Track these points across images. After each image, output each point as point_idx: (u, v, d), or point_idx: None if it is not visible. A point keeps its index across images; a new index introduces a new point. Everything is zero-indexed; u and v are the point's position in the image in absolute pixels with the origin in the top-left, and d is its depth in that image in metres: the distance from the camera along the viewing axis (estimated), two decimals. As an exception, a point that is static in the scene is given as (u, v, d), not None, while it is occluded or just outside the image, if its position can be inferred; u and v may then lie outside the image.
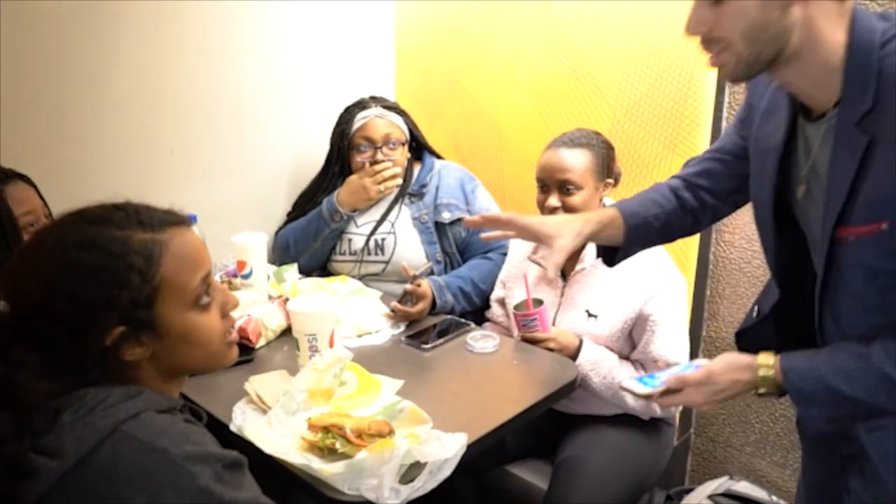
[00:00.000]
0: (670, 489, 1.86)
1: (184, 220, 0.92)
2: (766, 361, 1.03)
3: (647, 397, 1.13)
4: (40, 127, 1.63)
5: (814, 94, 0.96)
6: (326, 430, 1.16)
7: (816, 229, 1.03)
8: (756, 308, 1.23)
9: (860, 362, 0.95)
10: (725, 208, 1.29)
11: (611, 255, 1.32)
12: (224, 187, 2.03)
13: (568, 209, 1.59)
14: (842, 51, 0.90)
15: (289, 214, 2.11)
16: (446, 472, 1.13)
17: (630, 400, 1.57)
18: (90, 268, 0.81)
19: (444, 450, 1.13)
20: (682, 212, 1.27)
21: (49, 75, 1.63)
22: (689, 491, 1.78)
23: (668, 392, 1.10)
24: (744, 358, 1.05)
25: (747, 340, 1.24)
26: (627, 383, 1.17)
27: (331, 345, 1.39)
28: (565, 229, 1.22)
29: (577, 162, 1.58)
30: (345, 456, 1.13)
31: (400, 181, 1.93)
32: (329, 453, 1.15)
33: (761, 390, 1.04)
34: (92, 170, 1.75)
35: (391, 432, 1.16)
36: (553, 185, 1.60)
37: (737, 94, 1.70)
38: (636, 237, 1.27)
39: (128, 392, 0.83)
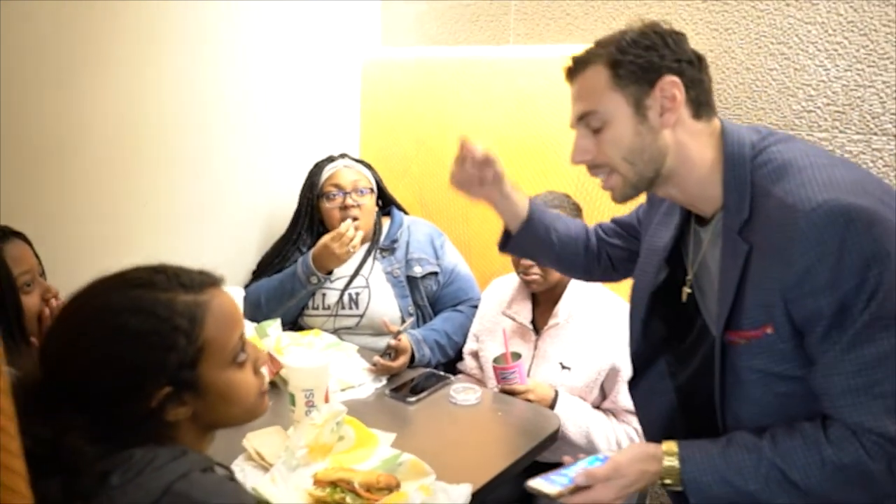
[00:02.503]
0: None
1: (218, 281, 0.95)
2: (671, 449, 1.04)
3: (557, 497, 1.06)
4: (16, 182, 1.61)
5: (696, 204, 1.09)
6: (334, 485, 1.19)
7: (707, 330, 1.10)
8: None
9: (752, 456, 0.98)
10: (611, 273, 1.42)
11: (504, 241, 1.39)
12: (196, 241, 2.03)
13: (541, 267, 1.69)
14: (712, 165, 1.03)
15: (256, 269, 2.13)
16: (453, 522, 1.17)
17: (603, 445, 1.65)
18: (139, 332, 0.83)
19: (451, 501, 1.18)
20: (585, 250, 1.38)
21: (25, 129, 1.62)
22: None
23: (578, 490, 1.06)
24: (650, 448, 1.07)
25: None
26: (535, 483, 1.09)
27: (326, 400, 1.42)
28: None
29: (551, 223, 1.69)
30: (355, 510, 1.15)
31: (361, 234, 1.98)
32: (338, 508, 1.18)
33: (667, 480, 1.04)
34: (68, 221, 1.73)
35: (398, 485, 1.20)
36: (528, 244, 1.70)
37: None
38: (528, 231, 1.33)
39: (173, 453, 0.84)
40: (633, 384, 1.28)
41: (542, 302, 1.79)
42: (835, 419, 0.96)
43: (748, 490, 0.99)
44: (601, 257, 1.40)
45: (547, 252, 1.39)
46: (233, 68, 2.08)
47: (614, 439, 1.66)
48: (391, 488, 1.18)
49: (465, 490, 1.20)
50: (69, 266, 1.54)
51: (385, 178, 2.14)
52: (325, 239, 1.91)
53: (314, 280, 1.94)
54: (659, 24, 1.03)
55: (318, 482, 1.20)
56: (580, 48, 1.99)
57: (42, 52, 1.62)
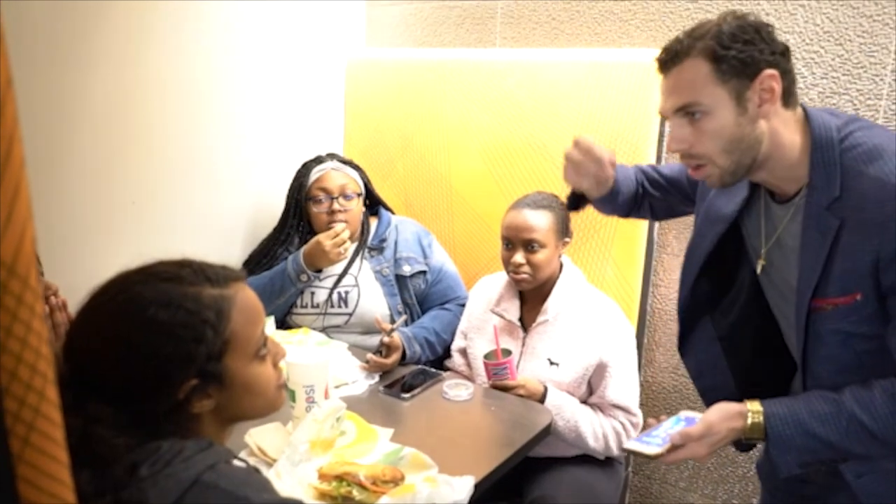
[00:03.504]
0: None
1: (241, 276, 0.96)
2: (755, 408, 1.12)
3: (656, 457, 1.14)
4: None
5: (781, 185, 1.15)
6: (340, 478, 1.21)
7: (783, 298, 1.19)
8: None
9: (833, 406, 1.08)
10: (648, 215, 1.53)
11: (575, 203, 1.47)
12: (181, 238, 2.03)
13: (532, 266, 1.73)
14: (801, 149, 1.10)
15: (243, 268, 2.12)
16: (457, 513, 1.20)
17: (591, 440, 1.70)
18: (168, 324, 0.84)
19: (455, 493, 1.20)
20: (633, 200, 1.47)
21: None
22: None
23: (673, 448, 1.13)
24: (735, 406, 1.14)
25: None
26: (632, 445, 1.18)
27: (326, 396, 1.43)
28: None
29: (541, 222, 1.73)
30: (362, 503, 1.17)
31: (349, 244, 1.99)
32: (344, 501, 1.19)
33: (750, 435, 1.12)
34: (55, 218, 1.72)
35: (403, 478, 1.22)
36: (518, 243, 1.74)
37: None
38: (608, 199, 1.43)
39: (199, 445, 0.85)
40: (682, 344, 1.39)
41: (530, 299, 1.83)
42: None
43: (829, 441, 1.07)
44: (643, 205, 1.48)
45: (610, 208, 1.48)
46: (218, 67, 2.07)
47: (601, 433, 1.71)
48: (396, 481, 1.20)
49: (468, 482, 1.22)
50: (57, 263, 1.53)
51: (370, 178, 2.15)
52: (319, 237, 1.92)
53: (304, 278, 1.95)
54: (749, 16, 1.07)
55: (323, 476, 1.22)
56: (565, 52, 2.06)
57: (28, 49, 1.61)
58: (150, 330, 0.84)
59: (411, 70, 2.30)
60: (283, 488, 1.21)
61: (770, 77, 1.05)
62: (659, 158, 1.92)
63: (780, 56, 1.06)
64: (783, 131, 1.09)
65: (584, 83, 1.96)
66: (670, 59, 1.10)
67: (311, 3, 2.31)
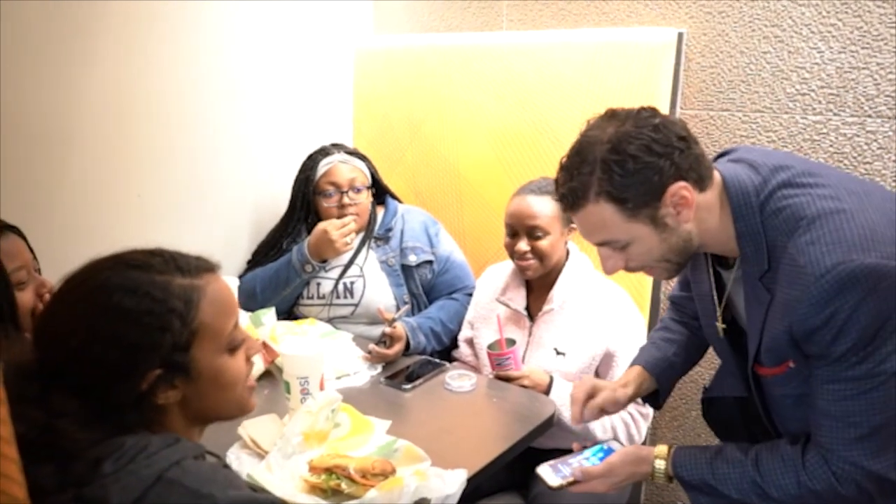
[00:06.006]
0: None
1: (215, 267, 0.95)
2: (662, 453, 1.16)
3: (557, 488, 1.21)
4: (8, 175, 1.59)
5: (724, 254, 1.13)
6: (329, 471, 1.19)
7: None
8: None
9: (736, 471, 1.09)
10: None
11: (654, 399, 1.41)
12: (189, 230, 2.03)
13: (536, 253, 1.69)
14: (726, 220, 1.05)
15: (251, 259, 2.12)
16: (449, 507, 1.17)
17: (599, 432, 1.66)
18: (133, 311, 0.83)
19: (446, 486, 1.18)
20: (693, 335, 1.39)
21: (17, 122, 1.60)
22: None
23: (575, 482, 1.20)
24: (643, 451, 1.19)
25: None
26: (542, 470, 1.24)
27: (321, 387, 1.42)
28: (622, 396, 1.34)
29: (544, 209, 1.68)
30: (351, 496, 1.15)
31: (353, 235, 1.98)
32: (333, 494, 1.18)
33: (657, 480, 1.17)
34: (60, 212, 1.72)
35: (393, 471, 1.20)
36: (522, 230, 1.70)
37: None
38: (667, 378, 1.39)
39: (165, 440, 0.84)
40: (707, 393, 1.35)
41: (537, 288, 1.79)
42: (812, 442, 1.04)
43: (731, 497, 1.10)
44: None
45: (684, 370, 1.42)
46: (225, 57, 2.06)
47: (609, 424, 1.66)
48: (386, 474, 1.18)
49: (460, 475, 1.20)
50: (61, 258, 1.53)
51: (379, 167, 2.13)
52: (324, 224, 1.91)
53: (309, 268, 1.93)
54: (631, 117, 1.02)
55: (313, 469, 1.20)
56: (573, 33, 2.00)
57: (32, 43, 1.61)
58: (115, 316, 0.82)
59: (419, 56, 2.26)
60: (273, 481, 1.20)
61: (678, 189, 1.00)
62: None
63: (680, 153, 0.99)
64: (708, 217, 1.05)
65: (592, 64, 1.90)
66: (570, 206, 1.07)
67: (319, -8, 2.29)
